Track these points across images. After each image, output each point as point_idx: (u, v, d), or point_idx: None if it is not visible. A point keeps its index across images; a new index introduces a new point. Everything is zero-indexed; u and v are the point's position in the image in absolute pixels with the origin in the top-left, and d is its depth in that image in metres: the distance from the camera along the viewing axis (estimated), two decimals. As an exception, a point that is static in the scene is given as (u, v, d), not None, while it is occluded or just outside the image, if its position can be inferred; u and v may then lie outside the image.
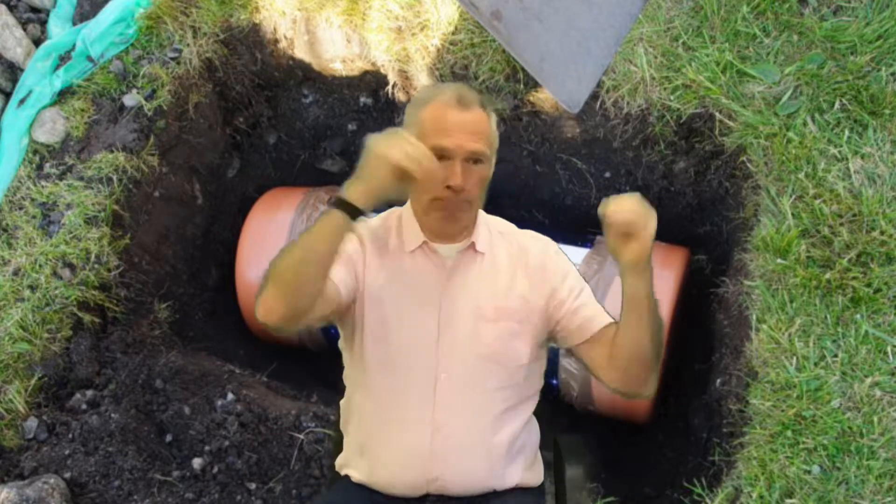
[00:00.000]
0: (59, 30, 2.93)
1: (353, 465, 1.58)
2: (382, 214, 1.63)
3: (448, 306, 1.51)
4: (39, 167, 2.72)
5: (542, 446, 1.65)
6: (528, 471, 1.57)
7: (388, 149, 1.30)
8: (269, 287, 1.33)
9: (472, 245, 1.54)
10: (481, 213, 1.59)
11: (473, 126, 1.46)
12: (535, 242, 1.60)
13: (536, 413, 1.62)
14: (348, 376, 1.61)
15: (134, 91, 2.76)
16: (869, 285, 2.03)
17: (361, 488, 1.54)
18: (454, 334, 1.50)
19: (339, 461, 1.63)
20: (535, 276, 1.54)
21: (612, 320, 1.51)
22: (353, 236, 1.54)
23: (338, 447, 1.68)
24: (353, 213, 1.33)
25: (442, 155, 1.44)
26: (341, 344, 1.61)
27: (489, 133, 1.50)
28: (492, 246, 1.56)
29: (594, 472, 1.68)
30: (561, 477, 1.65)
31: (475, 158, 1.46)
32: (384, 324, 1.50)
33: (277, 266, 1.34)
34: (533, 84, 2.57)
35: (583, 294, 1.54)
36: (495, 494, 1.52)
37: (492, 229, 1.59)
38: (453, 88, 1.51)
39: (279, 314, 1.34)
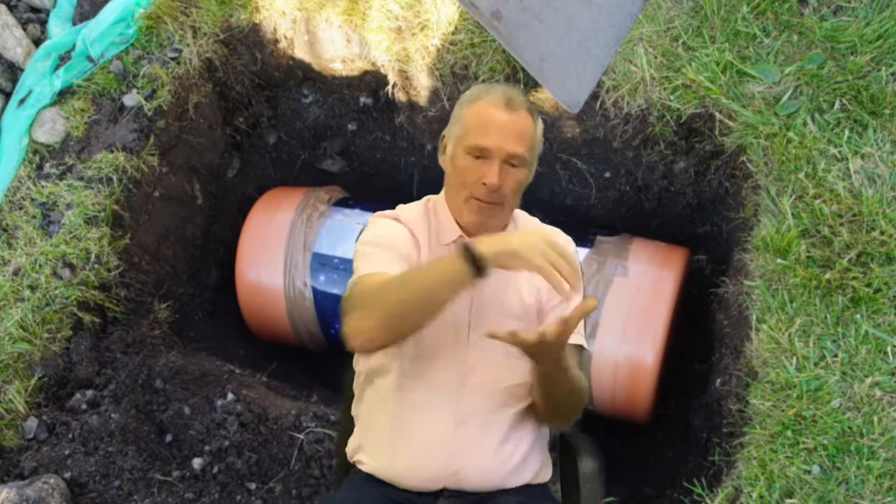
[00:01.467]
0: (59, 30, 2.93)
1: (370, 452, 1.57)
2: (418, 204, 1.64)
3: (478, 303, 1.53)
4: (39, 167, 2.72)
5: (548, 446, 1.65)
6: (542, 467, 1.58)
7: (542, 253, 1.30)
8: (373, 314, 1.37)
9: None
10: (515, 213, 1.61)
11: (517, 129, 1.49)
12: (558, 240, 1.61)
13: None
14: (370, 366, 1.59)
15: (134, 91, 2.76)
16: (869, 285, 2.03)
17: (376, 483, 1.54)
18: (482, 330, 1.51)
19: (351, 446, 1.62)
20: None
21: (580, 343, 1.54)
22: (403, 230, 1.56)
23: (346, 432, 1.67)
24: (480, 270, 1.33)
25: (480, 154, 1.47)
26: None
27: (532, 138, 1.52)
28: None
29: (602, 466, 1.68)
30: (567, 475, 1.65)
31: (513, 161, 1.48)
32: None
33: (389, 296, 1.37)
34: (533, 84, 2.57)
35: (566, 304, 1.55)
36: (508, 490, 1.52)
37: (519, 227, 1.62)
38: (503, 90, 1.53)
39: (376, 342, 1.40)
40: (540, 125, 1.56)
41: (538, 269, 1.29)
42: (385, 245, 1.52)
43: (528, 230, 1.32)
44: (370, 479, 1.55)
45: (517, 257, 1.30)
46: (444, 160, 1.59)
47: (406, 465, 1.51)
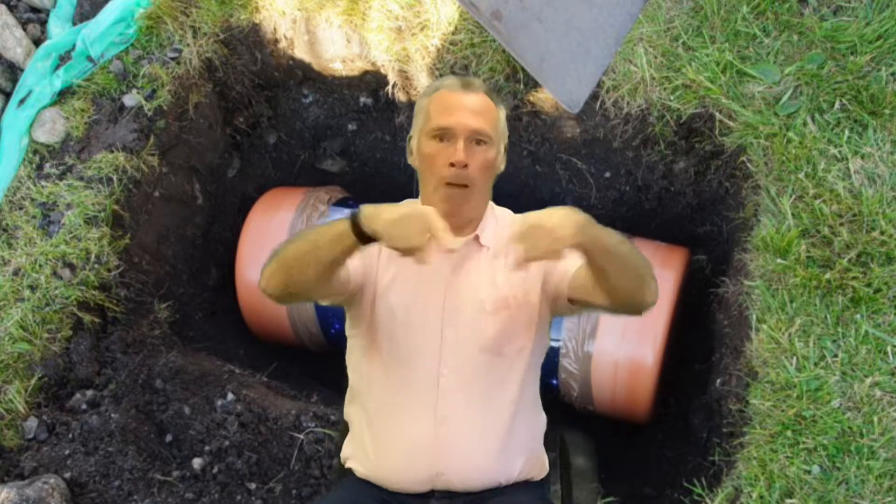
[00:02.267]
0: (59, 30, 2.93)
1: (357, 457, 1.57)
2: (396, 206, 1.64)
3: (451, 300, 1.52)
4: (39, 167, 2.72)
5: (547, 445, 1.64)
6: (532, 464, 1.57)
7: (414, 228, 1.31)
8: (273, 263, 1.41)
9: (477, 238, 1.55)
10: (491, 205, 1.61)
11: (476, 106, 1.49)
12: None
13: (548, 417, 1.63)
14: (354, 365, 1.60)
15: (134, 91, 2.76)
16: (869, 285, 2.03)
17: (368, 485, 1.54)
18: (457, 328, 1.51)
19: (343, 452, 1.63)
20: None
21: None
22: None
23: (343, 435, 1.67)
24: (365, 238, 1.34)
25: (444, 135, 1.47)
26: (348, 330, 1.61)
27: (494, 117, 1.52)
28: (497, 239, 1.57)
29: (598, 467, 1.68)
30: (567, 473, 1.65)
31: (478, 139, 1.48)
32: (391, 317, 1.51)
33: (285, 248, 1.41)
34: (533, 84, 2.57)
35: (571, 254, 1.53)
36: (500, 489, 1.52)
37: (499, 221, 1.61)
38: (459, 77, 1.56)
39: (276, 289, 1.42)
40: (502, 109, 1.56)
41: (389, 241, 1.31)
42: None
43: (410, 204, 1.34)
44: (364, 480, 1.55)
45: (386, 228, 1.31)
46: (413, 160, 1.58)
47: (390, 468, 1.51)
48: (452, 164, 1.46)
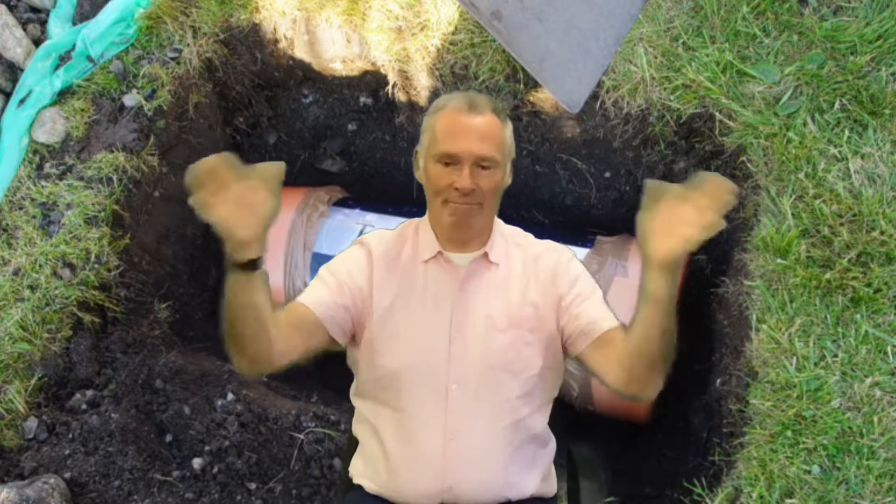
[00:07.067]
0: (59, 30, 2.93)
1: (367, 474, 1.57)
2: (400, 225, 1.63)
3: (459, 316, 1.51)
4: (39, 167, 2.72)
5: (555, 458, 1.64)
6: (542, 481, 1.56)
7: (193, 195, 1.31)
8: (227, 342, 1.38)
9: (486, 255, 1.55)
10: (498, 222, 1.60)
11: (483, 130, 1.47)
12: (550, 252, 1.59)
13: (549, 422, 1.62)
14: (361, 389, 1.59)
15: (134, 91, 2.76)
16: (869, 285, 2.03)
17: (378, 500, 1.53)
18: (465, 344, 1.50)
19: (352, 469, 1.63)
20: (546, 285, 1.54)
21: (620, 324, 1.50)
22: (361, 254, 1.55)
23: (350, 451, 1.67)
24: (244, 265, 1.30)
25: (450, 161, 1.46)
26: (350, 360, 1.60)
27: (501, 138, 1.50)
28: (507, 256, 1.56)
29: (605, 481, 1.67)
30: (574, 487, 1.64)
31: (483, 163, 1.47)
32: (396, 335, 1.50)
33: (223, 324, 1.38)
34: (533, 84, 2.57)
35: (591, 298, 1.54)
36: None
37: (508, 240, 1.60)
38: (466, 95, 1.53)
39: (245, 364, 1.39)
40: (509, 126, 1.54)
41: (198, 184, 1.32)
42: (327, 275, 1.54)
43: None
44: (373, 496, 1.55)
45: (213, 221, 1.30)
46: (419, 175, 1.57)
47: (401, 483, 1.50)
48: (457, 188, 1.46)
